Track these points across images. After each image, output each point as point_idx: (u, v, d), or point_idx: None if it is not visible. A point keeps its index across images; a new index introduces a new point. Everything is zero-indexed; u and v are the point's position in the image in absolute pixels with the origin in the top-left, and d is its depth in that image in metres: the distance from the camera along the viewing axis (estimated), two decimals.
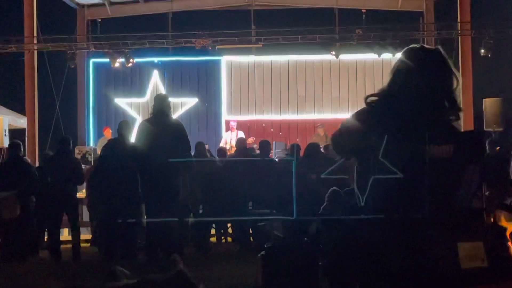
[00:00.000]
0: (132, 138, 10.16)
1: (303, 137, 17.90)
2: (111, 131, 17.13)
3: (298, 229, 4.91)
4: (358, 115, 4.16)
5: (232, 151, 14.45)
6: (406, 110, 3.99)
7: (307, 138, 17.58)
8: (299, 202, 5.17)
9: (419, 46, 4.26)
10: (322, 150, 12.36)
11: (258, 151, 14.69)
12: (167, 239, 9.05)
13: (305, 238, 5.37)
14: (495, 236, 4.10)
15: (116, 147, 9.84)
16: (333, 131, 4.25)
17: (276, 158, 14.79)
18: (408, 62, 4.12)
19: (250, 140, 16.21)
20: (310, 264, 4.83)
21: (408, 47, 4.22)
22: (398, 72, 4.11)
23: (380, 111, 4.05)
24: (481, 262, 3.81)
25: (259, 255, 5.16)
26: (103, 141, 16.66)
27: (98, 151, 16.09)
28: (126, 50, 17.40)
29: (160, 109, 9.19)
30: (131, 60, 17.54)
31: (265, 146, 11.79)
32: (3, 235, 10.15)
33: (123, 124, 10.18)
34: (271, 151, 16.32)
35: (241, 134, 16.38)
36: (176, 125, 9.35)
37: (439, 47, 4.35)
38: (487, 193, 9.32)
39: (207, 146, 13.73)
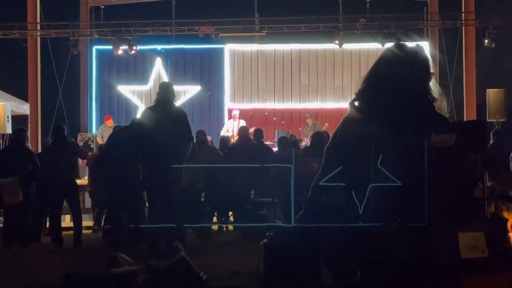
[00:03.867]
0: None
1: (305, 126, 17.89)
2: (112, 120, 17.15)
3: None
4: (346, 123, 4.25)
5: (234, 140, 14.45)
6: (388, 103, 4.05)
7: None
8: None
9: (399, 43, 4.35)
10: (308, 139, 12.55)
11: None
12: (168, 227, 9.07)
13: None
14: (496, 227, 4.11)
15: (123, 135, 9.86)
16: (326, 145, 4.32)
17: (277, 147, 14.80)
18: (389, 57, 4.20)
19: (253, 130, 16.19)
20: (312, 253, 4.84)
21: (391, 44, 4.32)
22: (379, 66, 4.19)
23: (366, 112, 4.13)
24: (482, 252, 3.82)
25: (261, 243, 5.17)
26: (103, 128, 16.70)
27: (98, 139, 16.16)
28: (129, 37, 17.37)
29: (164, 96, 9.20)
30: (134, 47, 17.51)
31: (257, 134, 12.13)
32: (6, 221, 10.18)
33: (135, 119, 10.26)
34: (271, 139, 16.35)
35: (243, 123, 16.36)
36: (179, 112, 9.34)
37: (419, 44, 4.45)
38: (489, 184, 9.31)
39: (209, 138, 13.72)
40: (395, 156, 4.10)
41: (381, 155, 4.16)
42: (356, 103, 4.27)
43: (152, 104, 9.54)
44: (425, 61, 4.30)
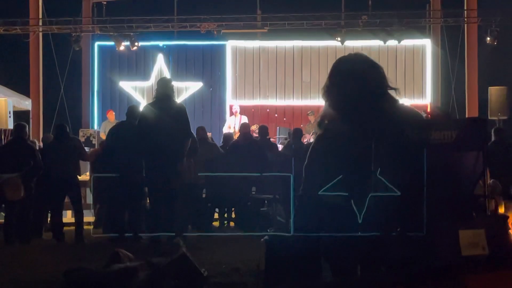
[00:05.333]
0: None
1: (307, 123, 17.91)
2: (114, 113, 17.17)
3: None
4: (318, 143, 4.30)
5: (236, 136, 14.46)
6: (355, 114, 4.10)
7: None
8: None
9: (343, 56, 4.45)
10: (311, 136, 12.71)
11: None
12: (169, 222, 9.09)
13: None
14: (496, 225, 4.12)
15: (123, 130, 9.87)
16: (305, 165, 4.38)
17: (280, 144, 14.82)
18: (338, 70, 4.28)
19: (253, 127, 16.22)
20: (312, 249, 4.83)
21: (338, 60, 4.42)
22: (334, 81, 4.27)
23: (333, 128, 4.18)
24: (482, 250, 3.82)
25: (262, 239, 5.16)
26: (106, 124, 16.72)
27: (102, 135, 16.17)
28: (131, 34, 17.38)
29: (163, 92, 9.19)
30: (136, 43, 17.53)
31: (262, 131, 12.27)
32: (7, 217, 10.18)
33: (131, 108, 10.24)
34: (272, 136, 16.36)
35: (245, 119, 16.36)
36: (178, 108, 9.35)
37: (360, 52, 4.56)
38: (491, 181, 9.30)
39: (209, 134, 13.73)
40: (387, 164, 4.11)
41: (375, 164, 4.18)
42: (325, 121, 4.31)
43: (152, 100, 9.55)
44: (376, 65, 4.35)
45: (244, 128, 12.39)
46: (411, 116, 4.26)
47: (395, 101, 4.20)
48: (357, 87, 4.16)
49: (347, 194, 4.19)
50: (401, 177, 4.06)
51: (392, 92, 4.26)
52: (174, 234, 8.66)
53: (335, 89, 4.29)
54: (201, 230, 10.76)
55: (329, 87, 4.33)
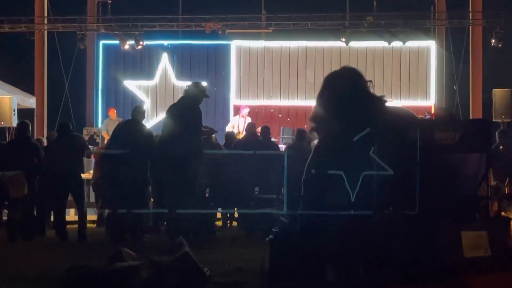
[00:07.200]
0: (145, 122, 10.33)
1: None
2: (115, 111, 17.17)
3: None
4: (314, 156, 4.44)
5: (240, 136, 14.44)
6: (345, 116, 4.24)
7: None
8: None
9: (334, 70, 4.72)
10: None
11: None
12: (174, 222, 9.13)
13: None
14: (499, 226, 4.12)
15: (127, 129, 9.89)
16: (303, 178, 4.48)
17: (284, 144, 14.81)
18: (330, 82, 4.43)
19: (258, 129, 16.18)
20: (317, 249, 4.85)
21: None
22: (326, 91, 4.44)
23: (327, 138, 4.30)
24: (485, 251, 3.82)
25: (267, 239, 5.18)
26: (108, 122, 16.74)
27: (103, 133, 16.20)
28: (136, 32, 17.38)
29: (188, 98, 9.41)
30: (140, 42, 17.53)
31: (264, 131, 12.30)
32: (10, 214, 10.20)
33: (137, 108, 10.30)
34: (276, 136, 16.35)
35: (248, 119, 16.34)
36: (194, 113, 9.50)
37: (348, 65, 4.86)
38: (494, 183, 9.31)
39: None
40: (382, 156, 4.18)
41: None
42: (319, 132, 4.50)
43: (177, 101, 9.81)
44: (362, 76, 4.54)
45: (250, 128, 12.37)
46: (401, 114, 4.35)
47: (384, 102, 4.30)
48: (348, 94, 4.27)
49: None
50: (395, 173, 4.13)
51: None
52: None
53: (328, 99, 4.39)
54: (204, 229, 10.76)
55: (322, 98, 4.44)
